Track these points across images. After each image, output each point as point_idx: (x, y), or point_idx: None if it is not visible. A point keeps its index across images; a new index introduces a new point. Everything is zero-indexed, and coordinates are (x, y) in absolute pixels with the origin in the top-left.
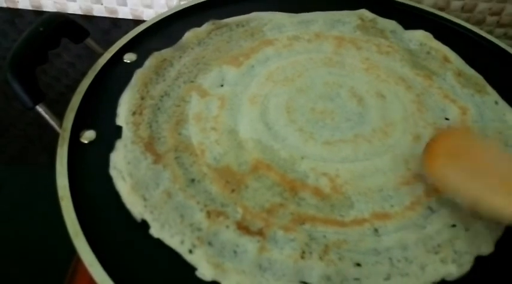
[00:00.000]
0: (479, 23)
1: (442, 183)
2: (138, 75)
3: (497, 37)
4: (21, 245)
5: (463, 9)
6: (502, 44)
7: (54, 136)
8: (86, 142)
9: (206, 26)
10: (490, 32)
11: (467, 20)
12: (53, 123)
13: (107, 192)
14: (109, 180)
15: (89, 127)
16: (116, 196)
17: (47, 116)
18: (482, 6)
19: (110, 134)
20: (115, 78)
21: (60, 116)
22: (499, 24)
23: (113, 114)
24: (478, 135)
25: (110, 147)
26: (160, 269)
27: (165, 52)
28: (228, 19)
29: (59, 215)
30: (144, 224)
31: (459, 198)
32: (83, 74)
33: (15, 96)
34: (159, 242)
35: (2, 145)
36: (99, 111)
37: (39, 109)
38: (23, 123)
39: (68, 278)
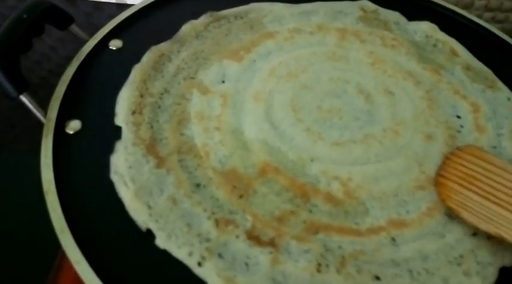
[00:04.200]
0: (467, 6)
1: (461, 215)
2: (136, 71)
3: (485, 21)
4: (2, 236)
5: None
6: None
7: (38, 122)
8: (71, 132)
9: (203, 18)
10: (479, 16)
11: (456, 4)
12: (37, 113)
13: (93, 185)
14: (96, 172)
15: (74, 117)
16: (103, 190)
17: (31, 106)
18: None
19: (96, 124)
20: (100, 65)
21: (43, 102)
22: (487, 8)
23: (99, 103)
24: (490, 155)
25: (96, 138)
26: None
27: (163, 46)
28: (226, 11)
29: (43, 205)
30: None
31: (482, 230)
32: (66, 59)
33: None
34: (149, 242)
35: None
36: (84, 100)
37: (23, 98)
38: (4, 108)
39: (52, 273)
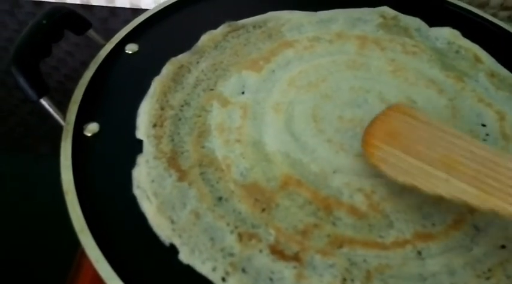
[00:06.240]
0: (482, 5)
1: (381, 169)
2: (156, 83)
3: (501, 20)
4: (22, 237)
5: None
6: None
7: (55, 126)
8: (89, 135)
9: (222, 28)
10: (494, 15)
11: (470, 3)
12: (56, 116)
13: (111, 186)
14: (114, 174)
15: (92, 120)
16: (121, 189)
17: (51, 109)
18: None
19: (113, 126)
20: (117, 69)
21: (60, 105)
22: (503, 7)
23: (116, 106)
24: (415, 110)
25: (113, 139)
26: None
27: (182, 57)
28: (244, 20)
29: (62, 206)
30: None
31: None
32: (82, 63)
33: (20, 90)
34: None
35: (2, 134)
36: (101, 103)
37: (44, 102)
38: (23, 112)
39: (72, 272)
